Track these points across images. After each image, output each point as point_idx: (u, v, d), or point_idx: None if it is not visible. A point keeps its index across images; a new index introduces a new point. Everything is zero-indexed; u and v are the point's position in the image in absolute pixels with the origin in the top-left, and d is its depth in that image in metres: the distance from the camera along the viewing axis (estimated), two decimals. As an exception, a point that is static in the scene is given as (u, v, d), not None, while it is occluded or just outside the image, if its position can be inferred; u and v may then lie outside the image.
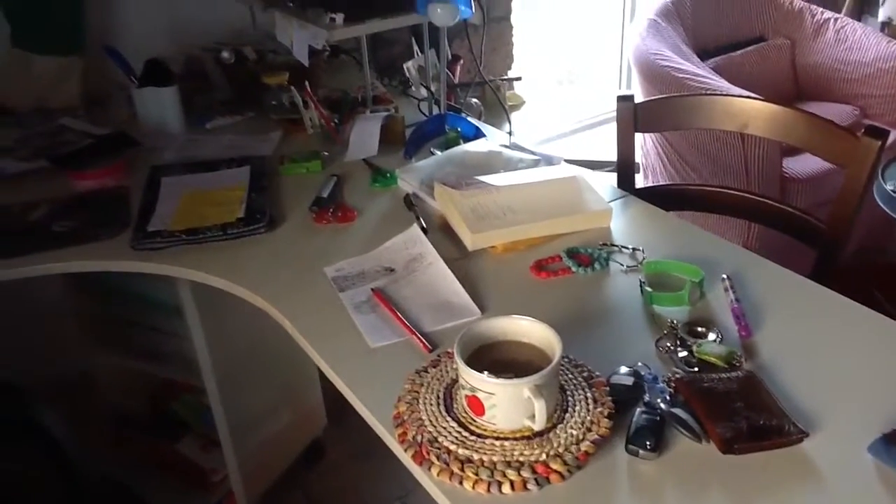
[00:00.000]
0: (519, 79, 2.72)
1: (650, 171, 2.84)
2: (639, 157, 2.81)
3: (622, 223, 1.36)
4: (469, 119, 1.72)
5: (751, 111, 1.51)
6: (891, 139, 1.88)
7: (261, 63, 1.90)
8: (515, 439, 0.86)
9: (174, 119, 1.78)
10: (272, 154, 1.67)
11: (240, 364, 1.74)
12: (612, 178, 1.67)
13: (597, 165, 3.04)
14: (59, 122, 1.79)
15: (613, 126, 1.63)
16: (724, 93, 2.34)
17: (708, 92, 2.36)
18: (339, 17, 1.51)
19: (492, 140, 1.64)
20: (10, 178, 1.59)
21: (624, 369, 0.96)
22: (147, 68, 1.77)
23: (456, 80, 2.23)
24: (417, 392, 0.95)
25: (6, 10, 1.79)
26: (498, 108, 2.23)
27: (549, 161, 1.52)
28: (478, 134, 1.66)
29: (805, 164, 2.48)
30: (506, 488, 0.82)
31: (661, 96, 1.65)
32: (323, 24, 1.53)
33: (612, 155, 1.66)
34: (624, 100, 1.58)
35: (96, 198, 1.52)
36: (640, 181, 2.77)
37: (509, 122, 2.07)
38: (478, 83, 2.11)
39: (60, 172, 1.58)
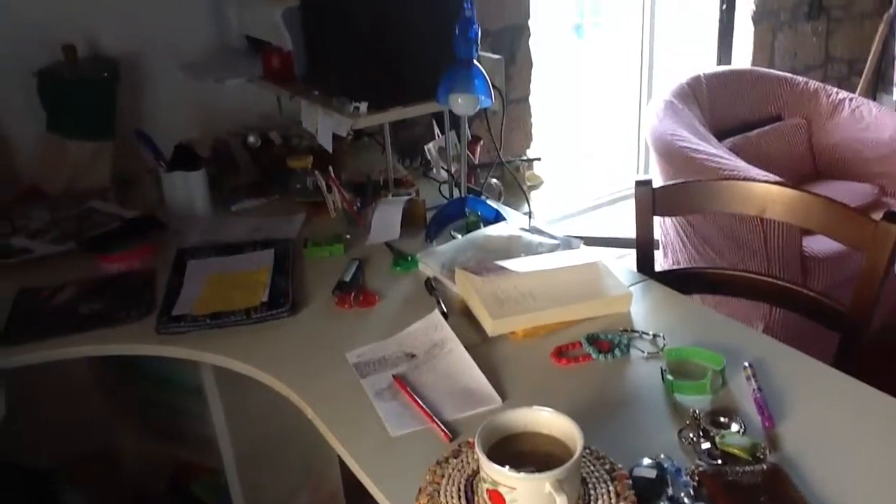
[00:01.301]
0: (538, 159, 2.76)
1: (669, 248, 2.85)
2: (658, 234, 2.82)
3: (642, 308, 1.37)
4: (489, 202, 1.75)
5: (768, 196, 1.52)
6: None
7: (286, 147, 1.95)
8: (537, 534, 0.85)
9: (201, 202, 1.82)
10: (296, 236, 1.70)
11: (259, 446, 1.73)
12: (631, 260, 1.68)
13: (615, 243, 3.05)
14: (88, 204, 1.83)
15: (631, 202, 1.65)
16: (742, 175, 2.37)
17: (725, 174, 2.39)
18: (363, 106, 1.56)
19: (512, 223, 1.66)
20: (40, 259, 1.62)
21: (646, 461, 0.96)
22: (176, 153, 1.82)
23: (476, 161, 2.27)
24: (438, 484, 0.94)
25: (43, 97, 1.85)
26: (517, 187, 2.26)
27: (568, 245, 1.54)
28: (498, 217, 1.69)
29: (826, 243, 2.48)
30: (528, 586, 0.81)
31: (679, 181, 1.67)
32: (347, 112, 1.57)
33: (630, 231, 1.68)
34: (642, 184, 1.61)
35: (123, 280, 1.55)
36: (658, 258, 2.78)
37: (528, 203, 2.09)
38: (497, 164, 2.14)
39: (89, 255, 1.61)
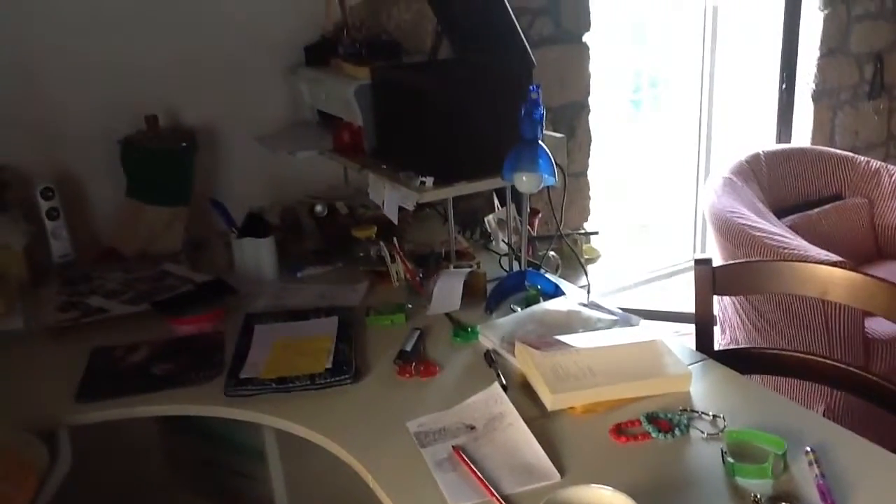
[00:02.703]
0: (596, 233, 2.79)
1: (728, 325, 2.82)
2: (716, 310, 2.81)
3: (701, 388, 1.37)
4: (548, 276, 1.77)
5: (830, 279, 1.52)
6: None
7: (351, 217, 2.02)
8: None
9: (269, 268, 1.89)
10: (359, 304, 1.75)
11: (318, 511, 1.75)
12: (689, 335, 1.68)
13: (673, 317, 3.04)
14: (162, 266, 1.91)
15: (688, 276, 1.66)
16: (803, 254, 2.36)
17: (786, 252, 2.38)
18: (429, 181, 1.61)
19: (570, 298, 1.68)
20: (115, 319, 1.69)
21: (707, 545, 0.95)
22: (247, 220, 1.90)
23: (534, 233, 2.31)
24: (498, 558, 0.95)
25: (125, 164, 1.96)
26: (575, 260, 2.29)
27: (627, 321, 1.55)
28: (557, 291, 1.71)
29: (889, 325, 2.44)
30: None
31: (738, 261, 1.68)
32: (414, 186, 1.63)
33: (687, 305, 1.68)
34: (702, 263, 1.62)
35: (194, 342, 1.61)
36: (717, 334, 2.76)
37: (586, 276, 2.11)
38: (555, 236, 2.18)
39: (162, 316, 1.68)
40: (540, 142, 1.55)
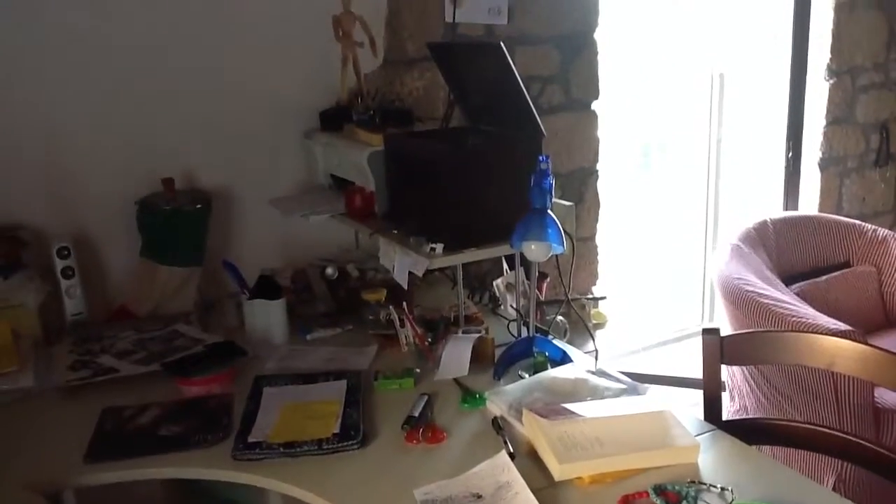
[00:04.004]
0: (604, 298, 2.80)
1: (736, 392, 2.81)
2: (725, 376, 2.80)
3: (710, 459, 1.36)
4: (556, 342, 1.78)
5: (837, 350, 1.52)
6: None
7: (361, 280, 2.04)
8: None
9: (279, 330, 1.90)
10: (368, 368, 1.76)
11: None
12: (697, 401, 1.68)
13: (681, 382, 3.02)
14: (173, 326, 1.93)
15: (695, 340, 1.66)
16: (811, 322, 2.36)
17: (794, 321, 2.38)
18: (439, 247, 1.64)
19: (578, 366, 1.69)
20: (125, 379, 1.70)
21: None
22: (259, 282, 1.92)
23: (542, 297, 2.32)
24: None
25: (140, 224, 1.99)
26: (582, 325, 2.30)
27: (635, 390, 1.56)
28: (564, 358, 1.72)
29: (899, 395, 2.42)
30: None
31: (746, 331, 1.68)
32: (424, 252, 1.65)
33: (695, 370, 1.67)
34: (710, 333, 1.63)
35: (203, 404, 1.61)
36: (725, 401, 2.74)
37: (594, 342, 2.12)
38: (564, 301, 2.19)
39: (171, 377, 1.69)
40: (549, 211, 1.57)
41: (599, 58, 2.72)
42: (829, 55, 3.36)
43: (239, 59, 2.09)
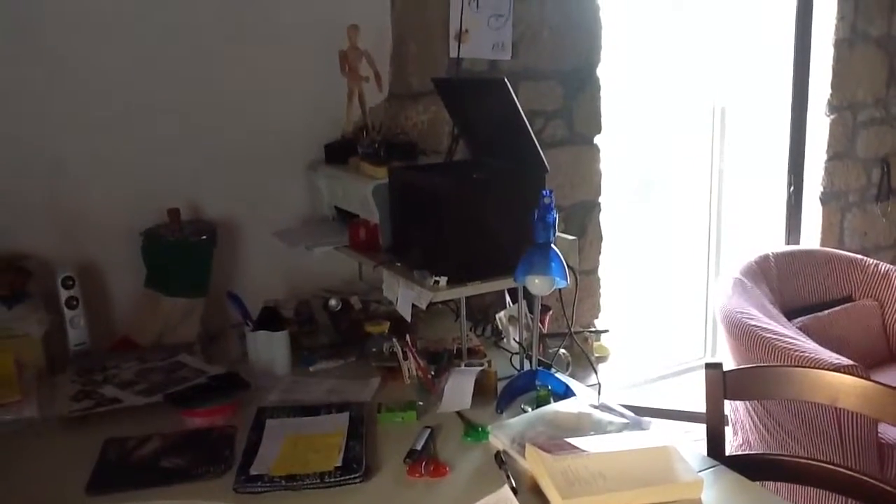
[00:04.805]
0: (606, 331, 2.81)
1: (739, 426, 2.80)
2: (728, 410, 2.79)
3: (713, 494, 1.36)
4: (559, 376, 1.78)
5: (840, 386, 1.52)
6: None
7: (365, 312, 2.04)
8: None
9: (282, 362, 1.90)
10: (370, 400, 1.75)
11: None
12: (699, 434, 1.67)
13: (683, 416, 3.01)
14: (176, 357, 1.93)
15: (698, 374, 1.66)
16: (813, 356, 2.36)
17: (796, 355, 2.38)
18: (443, 280, 1.65)
19: (581, 400, 1.68)
20: (127, 410, 1.70)
21: None
22: (262, 314, 1.93)
23: (545, 330, 2.32)
24: None
25: (145, 255, 2.00)
26: (585, 358, 2.29)
27: (638, 424, 1.55)
28: (567, 392, 1.72)
29: (902, 431, 2.42)
30: None
31: (749, 366, 1.68)
32: (427, 285, 1.66)
33: (697, 404, 1.67)
34: (712, 368, 1.63)
35: (205, 436, 1.61)
36: (728, 435, 2.73)
37: (596, 375, 2.12)
38: (566, 334, 2.19)
39: (174, 408, 1.69)
40: (552, 245, 1.58)
41: (602, 93, 2.76)
42: (829, 91, 3.40)
43: (245, 93, 2.12)
